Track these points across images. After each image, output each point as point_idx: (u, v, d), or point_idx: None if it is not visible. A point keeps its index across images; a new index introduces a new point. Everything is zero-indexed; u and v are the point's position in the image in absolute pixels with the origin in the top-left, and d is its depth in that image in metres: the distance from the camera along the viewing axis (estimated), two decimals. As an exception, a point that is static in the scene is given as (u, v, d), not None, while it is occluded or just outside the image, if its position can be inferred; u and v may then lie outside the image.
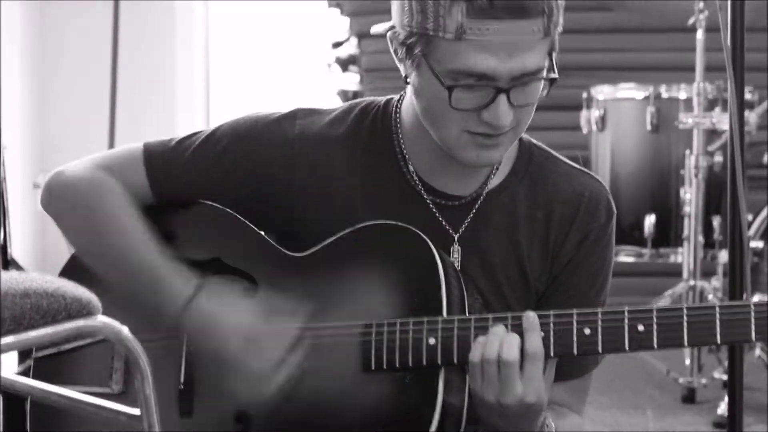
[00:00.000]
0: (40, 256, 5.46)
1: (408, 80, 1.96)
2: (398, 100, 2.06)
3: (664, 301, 4.20)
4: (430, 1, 1.86)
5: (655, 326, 1.87)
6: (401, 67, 1.97)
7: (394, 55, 1.98)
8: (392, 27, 1.95)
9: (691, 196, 4.13)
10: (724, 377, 4.01)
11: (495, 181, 2.05)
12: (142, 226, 2.02)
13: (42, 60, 5.88)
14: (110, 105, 5.45)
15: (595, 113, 4.40)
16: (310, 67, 6.13)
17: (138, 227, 2.02)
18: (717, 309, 1.86)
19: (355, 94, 5.53)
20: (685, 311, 1.87)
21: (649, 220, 4.27)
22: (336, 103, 5.62)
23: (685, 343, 1.86)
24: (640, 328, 1.87)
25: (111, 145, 5.47)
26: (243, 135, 2.05)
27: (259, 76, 6.23)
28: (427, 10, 1.87)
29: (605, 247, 2.07)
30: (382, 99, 2.08)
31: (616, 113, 4.39)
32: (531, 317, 1.89)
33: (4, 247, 3.79)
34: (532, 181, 2.06)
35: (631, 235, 4.31)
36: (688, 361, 4.12)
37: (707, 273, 4.24)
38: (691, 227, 4.15)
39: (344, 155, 2.03)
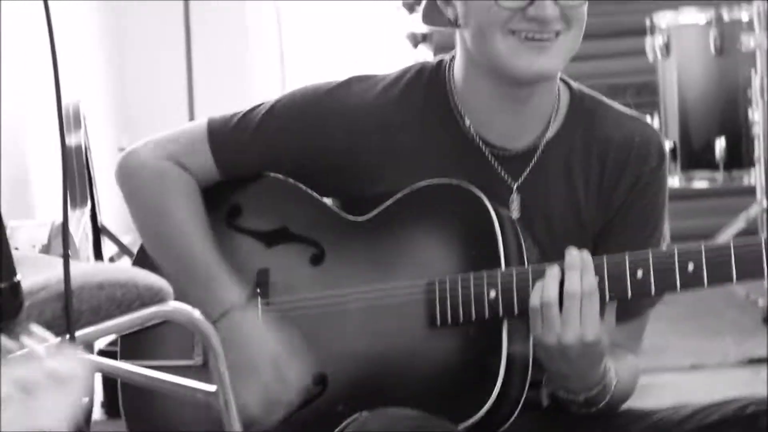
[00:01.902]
0: (129, 221, 5.53)
1: (458, 23, 2.03)
2: (450, 60, 2.12)
3: (738, 225, 4.21)
4: None
5: (704, 264, 1.92)
6: (448, 11, 2.04)
7: (443, 7, 2.05)
8: None
9: (759, 117, 4.13)
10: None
11: (550, 132, 2.09)
12: (200, 225, 2.10)
13: (120, 47, 5.99)
14: (187, 66, 5.52)
15: (659, 40, 4.39)
16: (380, 11, 6.17)
17: (197, 226, 2.10)
18: (763, 243, 1.91)
19: (424, 36, 5.58)
20: (732, 247, 1.91)
21: (720, 143, 4.27)
22: (405, 46, 5.58)
23: (734, 279, 1.91)
24: (690, 267, 1.92)
25: (191, 106, 5.55)
26: (301, 108, 2.11)
27: (329, 29, 6.28)
28: None
29: (657, 191, 2.11)
30: (434, 61, 2.14)
31: (680, 39, 4.37)
32: (586, 256, 1.94)
33: (94, 214, 3.91)
34: (585, 129, 2.10)
35: (703, 159, 4.32)
36: (766, 284, 4.12)
37: (783, 191, 4.24)
38: (760, 148, 4.16)
39: (401, 117, 2.09)
